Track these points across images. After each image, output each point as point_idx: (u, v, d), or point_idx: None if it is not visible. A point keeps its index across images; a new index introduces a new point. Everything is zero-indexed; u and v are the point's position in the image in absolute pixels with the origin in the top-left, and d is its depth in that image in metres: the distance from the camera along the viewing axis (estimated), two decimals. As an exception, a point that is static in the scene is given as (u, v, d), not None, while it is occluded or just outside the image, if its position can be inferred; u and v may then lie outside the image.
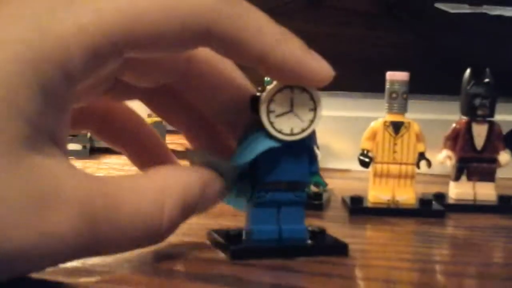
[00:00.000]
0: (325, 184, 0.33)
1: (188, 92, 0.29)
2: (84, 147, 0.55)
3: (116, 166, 0.52)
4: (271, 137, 0.26)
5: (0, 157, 0.19)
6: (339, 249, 0.28)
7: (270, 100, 0.26)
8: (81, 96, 0.26)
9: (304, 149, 0.27)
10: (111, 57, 0.22)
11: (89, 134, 0.56)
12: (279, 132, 0.26)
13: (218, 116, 0.29)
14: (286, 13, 0.83)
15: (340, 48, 0.84)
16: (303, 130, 0.26)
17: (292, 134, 0.26)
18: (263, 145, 0.26)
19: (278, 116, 0.26)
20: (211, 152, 0.28)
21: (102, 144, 0.54)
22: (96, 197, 0.21)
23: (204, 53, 0.26)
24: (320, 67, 0.25)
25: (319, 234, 0.28)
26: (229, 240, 0.27)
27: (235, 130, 0.29)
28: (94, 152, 0.57)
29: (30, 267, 0.20)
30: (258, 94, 0.26)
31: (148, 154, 0.31)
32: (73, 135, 0.55)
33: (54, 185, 0.20)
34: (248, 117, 0.27)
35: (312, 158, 0.28)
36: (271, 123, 0.26)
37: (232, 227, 0.28)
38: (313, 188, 0.37)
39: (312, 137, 0.28)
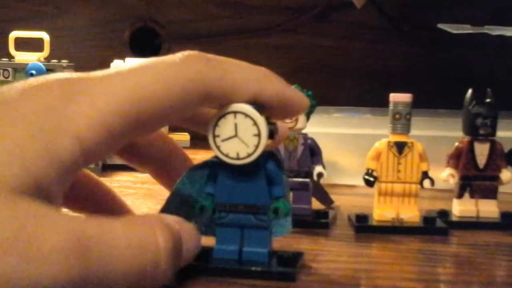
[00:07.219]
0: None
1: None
2: (96, 164, 0.56)
3: (128, 183, 0.53)
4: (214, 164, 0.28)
5: None
6: (285, 276, 0.28)
7: (215, 125, 0.27)
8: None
9: (259, 172, 0.28)
10: (124, 132, 0.23)
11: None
12: (226, 156, 0.27)
13: None
14: (292, 27, 0.85)
15: (346, 62, 0.85)
16: (249, 155, 0.27)
17: (238, 158, 0.27)
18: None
19: (223, 140, 0.27)
20: None
21: (115, 161, 0.56)
22: (87, 239, 0.21)
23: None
24: (299, 96, 0.28)
25: (289, 260, 0.29)
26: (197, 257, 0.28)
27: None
28: (106, 169, 0.57)
29: None
30: None
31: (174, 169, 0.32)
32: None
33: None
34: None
35: (275, 182, 0.28)
36: (218, 147, 0.27)
37: None
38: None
39: (268, 161, 0.28)
